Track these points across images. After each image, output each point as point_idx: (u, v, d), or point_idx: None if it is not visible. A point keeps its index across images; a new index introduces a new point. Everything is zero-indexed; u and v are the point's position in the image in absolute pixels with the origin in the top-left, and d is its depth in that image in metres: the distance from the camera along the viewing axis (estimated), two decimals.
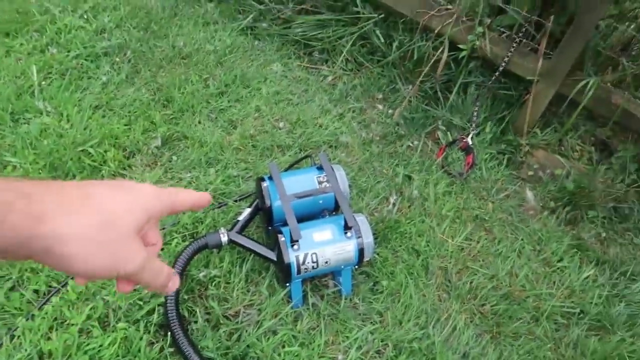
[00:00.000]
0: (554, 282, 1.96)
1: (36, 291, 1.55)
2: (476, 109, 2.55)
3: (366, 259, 1.69)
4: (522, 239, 2.09)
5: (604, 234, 2.22)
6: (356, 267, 1.72)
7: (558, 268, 2.02)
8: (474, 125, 2.52)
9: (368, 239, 1.67)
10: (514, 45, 2.38)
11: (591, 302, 1.90)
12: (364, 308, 1.71)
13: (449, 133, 2.52)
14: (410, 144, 2.44)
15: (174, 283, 0.56)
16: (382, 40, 2.74)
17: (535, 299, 1.88)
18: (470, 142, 2.45)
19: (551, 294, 1.91)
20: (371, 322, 1.67)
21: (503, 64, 2.44)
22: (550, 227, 2.18)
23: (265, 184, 1.75)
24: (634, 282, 2.02)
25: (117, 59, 2.46)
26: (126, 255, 0.48)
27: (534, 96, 2.38)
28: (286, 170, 1.98)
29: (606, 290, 1.95)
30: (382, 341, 1.63)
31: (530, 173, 2.42)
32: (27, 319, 1.46)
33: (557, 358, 1.71)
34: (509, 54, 2.39)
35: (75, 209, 0.45)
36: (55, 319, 1.48)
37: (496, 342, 1.72)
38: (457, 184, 2.27)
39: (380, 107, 2.63)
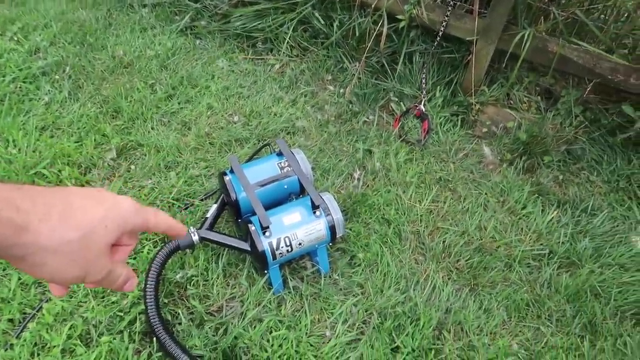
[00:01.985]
0: (521, 229, 2.03)
1: (11, 320, 1.51)
2: (423, 76, 2.61)
3: (339, 235, 1.71)
4: (485, 193, 2.15)
5: (561, 177, 2.31)
6: (330, 244, 1.74)
7: (523, 215, 2.09)
8: (424, 92, 2.57)
9: (337, 215, 1.69)
10: (449, 9, 2.44)
11: (558, 242, 1.98)
12: (344, 283, 1.73)
13: (401, 103, 2.57)
14: (366, 119, 2.47)
15: (131, 285, 0.59)
16: (323, 22, 2.76)
17: (506, 247, 1.95)
18: (423, 109, 2.50)
19: (520, 240, 1.98)
20: (353, 295, 1.70)
21: (442, 29, 2.49)
22: (511, 177, 2.25)
23: (227, 178, 1.75)
24: (595, 217, 2.11)
25: (57, 77, 2.39)
26: (94, 269, 0.52)
27: (476, 55, 2.45)
28: (247, 161, 1.97)
29: (570, 229, 2.03)
30: (366, 311, 1.65)
31: (484, 130, 2.49)
32: (5, 350, 1.42)
33: (533, 298, 1.78)
34: (446, 18, 2.44)
35: (58, 223, 0.48)
36: (35, 344, 1.44)
37: (475, 293, 1.78)
38: (416, 150, 2.32)
39: (332, 87, 2.65)
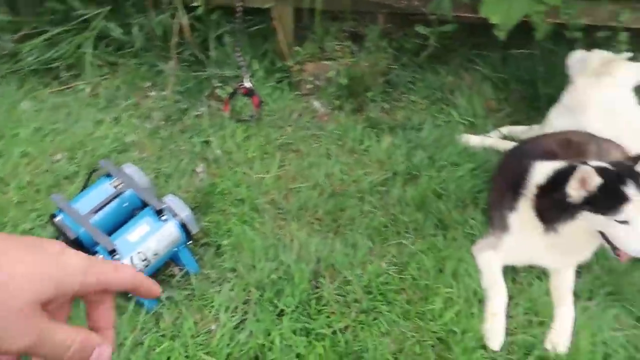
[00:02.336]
0: (365, 163, 2.18)
1: None
2: (239, 54, 2.62)
3: (194, 231, 1.70)
4: (325, 143, 2.26)
5: (387, 106, 2.50)
6: (191, 242, 1.73)
7: (363, 150, 2.24)
8: (244, 69, 2.60)
9: (184, 212, 1.68)
10: None
11: (398, 163, 2.15)
12: (215, 274, 1.74)
13: (227, 87, 2.58)
14: (197, 112, 2.45)
15: (100, 355, 0.45)
16: (122, 31, 2.65)
17: (355, 184, 2.08)
18: (249, 85, 2.54)
19: (366, 173, 2.12)
20: (227, 281, 1.71)
21: (240, 4, 2.52)
22: (343, 121, 2.38)
23: (58, 218, 1.65)
24: (422, 131, 2.32)
25: None
26: (9, 334, 0.40)
27: (279, 20, 2.52)
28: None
29: (405, 148, 2.22)
30: (244, 290, 1.68)
31: (309, 86, 2.60)
32: None
33: (390, 219, 1.93)
34: None
35: None
36: None
37: (339, 234, 1.88)
38: (253, 126, 2.36)
39: (153, 93, 2.58)
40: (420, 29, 2.41)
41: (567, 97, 2.14)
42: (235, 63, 2.65)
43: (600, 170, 1.46)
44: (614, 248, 1.55)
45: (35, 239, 0.44)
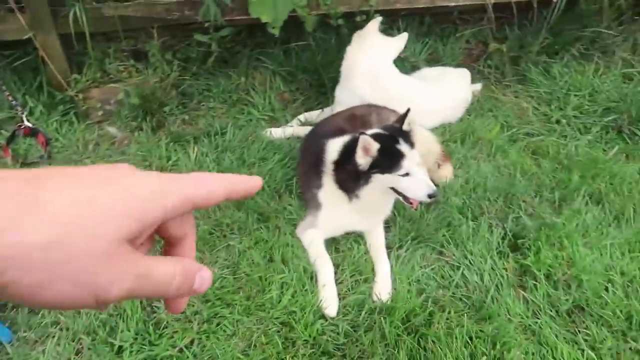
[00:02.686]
0: None
1: None
2: (6, 93, 2.36)
3: None
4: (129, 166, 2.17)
5: (186, 117, 2.51)
6: None
7: (172, 165, 2.22)
8: (19, 108, 2.35)
9: None
10: None
11: (209, 170, 2.18)
12: (35, 334, 1.57)
13: (2, 131, 2.31)
14: None
15: (203, 281, 0.40)
16: None
17: None
18: (30, 125, 2.31)
19: None
20: (51, 337, 1.56)
21: None
22: (145, 141, 2.33)
23: None
24: (225, 134, 2.38)
25: None
26: (102, 280, 0.34)
27: (45, 50, 2.33)
28: None
29: (213, 154, 2.26)
30: (73, 340, 1.55)
31: (100, 113, 2.46)
32: None
33: (213, 225, 1.95)
34: None
35: (18, 223, 0.31)
36: None
37: None
38: (44, 164, 2.16)
39: None
40: (199, 36, 2.46)
41: (342, 67, 2.42)
42: (7, 103, 2.38)
43: (376, 137, 1.68)
44: (406, 199, 1.81)
45: (101, 167, 0.38)
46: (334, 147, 1.85)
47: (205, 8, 2.22)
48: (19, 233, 0.31)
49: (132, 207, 0.35)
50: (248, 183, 0.43)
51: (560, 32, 3.07)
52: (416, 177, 1.74)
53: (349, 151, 1.77)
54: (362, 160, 1.71)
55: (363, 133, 1.66)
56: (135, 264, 0.35)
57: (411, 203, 1.83)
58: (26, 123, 2.31)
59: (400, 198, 1.83)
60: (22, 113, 2.34)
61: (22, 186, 0.33)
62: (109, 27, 2.39)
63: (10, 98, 2.35)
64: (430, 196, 1.74)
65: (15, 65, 2.41)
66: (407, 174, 1.73)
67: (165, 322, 1.60)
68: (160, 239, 0.42)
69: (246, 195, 0.43)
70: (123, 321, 1.57)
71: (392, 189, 1.79)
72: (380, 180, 1.75)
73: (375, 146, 1.67)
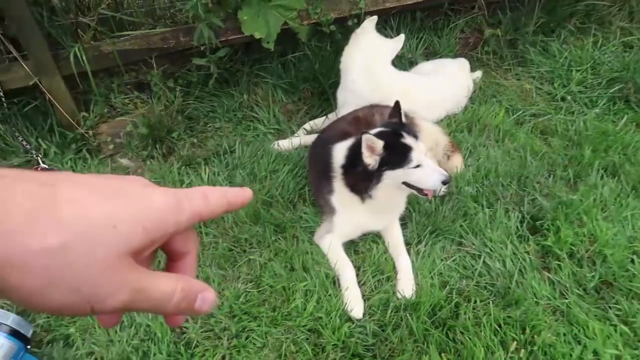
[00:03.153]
0: None
1: None
2: (18, 136, 2.43)
3: (28, 334, 1.57)
4: None
5: (195, 140, 2.55)
6: (29, 347, 1.58)
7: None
8: (33, 151, 2.42)
9: (9, 319, 1.54)
10: None
11: None
12: None
13: None
14: None
15: (204, 301, 0.40)
16: None
17: None
18: (46, 166, 2.37)
19: None
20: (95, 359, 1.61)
21: None
22: (158, 168, 2.36)
23: None
24: (234, 151, 2.42)
25: None
26: (102, 292, 0.35)
27: (52, 93, 2.39)
28: None
29: (224, 173, 2.29)
30: None
31: (112, 146, 2.52)
32: None
33: (232, 242, 1.98)
34: None
35: (27, 227, 0.32)
36: None
37: None
38: None
39: None
40: (197, 60, 2.50)
41: (341, 67, 2.44)
42: (22, 148, 2.45)
43: (379, 134, 1.70)
44: (420, 191, 1.82)
45: (114, 178, 0.38)
46: (340, 152, 1.87)
47: (199, 32, 2.27)
48: (27, 237, 0.32)
49: (145, 219, 0.36)
50: (243, 194, 0.45)
51: (553, 9, 3.06)
52: (427, 167, 1.76)
53: (355, 154, 1.78)
54: (370, 159, 1.73)
55: (365, 132, 1.68)
56: (134, 278, 0.35)
57: (426, 194, 1.84)
58: (42, 165, 2.37)
59: (414, 191, 1.84)
60: (37, 156, 2.40)
61: (38, 189, 0.33)
62: (109, 63, 2.45)
63: (24, 143, 2.42)
64: (444, 182, 1.75)
65: (25, 111, 2.48)
66: (418, 166, 1.74)
67: (195, 342, 1.63)
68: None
69: (241, 205, 0.45)
70: (154, 344, 1.60)
71: (405, 183, 1.80)
72: (392, 177, 1.76)
73: (379, 144, 1.68)
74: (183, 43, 2.43)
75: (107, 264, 0.34)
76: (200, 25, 2.26)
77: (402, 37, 2.46)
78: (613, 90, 2.69)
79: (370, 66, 2.35)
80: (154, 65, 2.50)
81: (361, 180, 1.81)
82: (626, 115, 2.59)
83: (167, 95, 2.60)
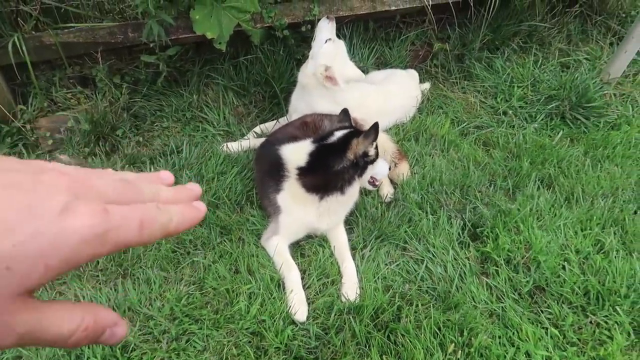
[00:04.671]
0: None
1: None
2: None
3: None
4: None
5: (140, 139, 2.48)
6: None
7: None
8: None
9: None
10: None
11: None
12: None
13: None
14: None
15: (113, 334, 0.35)
16: None
17: None
18: None
19: None
20: None
21: None
22: (100, 166, 2.28)
23: None
24: (181, 152, 2.37)
25: None
26: None
27: None
28: None
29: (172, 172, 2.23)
30: None
31: (50, 142, 2.41)
32: None
33: (175, 243, 1.93)
34: None
35: None
36: None
37: (129, 276, 1.82)
38: None
39: None
40: (146, 57, 2.44)
41: (300, 77, 2.45)
42: None
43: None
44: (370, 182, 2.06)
45: (23, 185, 0.30)
46: (294, 154, 1.88)
47: (148, 29, 2.21)
48: None
49: (52, 256, 0.29)
50: (191, 217, 0.38)
51: (498, 28, 3.21)
52: (377, 162, 1.93)
53: (326, 156, 1.83)
54: (373, 151, 1.88)
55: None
56: (22, 320, 0.30)
57: (373, 183, 2.14)
58: None
59: (367, 184, 2.09)
60: None
61: None
62: (51, 55, 2.35)
63: None
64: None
65: None
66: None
67: (133, 345, 1.57)
68: None
69: (190, 227, 0.39)
70: (88, 348, 1.53)
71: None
72: (368, 171, 1.95)
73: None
74: (131, 39, 2.36)
75: None
76: (150, 21, 2.21)
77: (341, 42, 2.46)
78: (550, 106, 2.83)
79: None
80: (100, 60, 2.42)
81: (338, 178, 1.85)
82: (562, 130, 2.74)
83: (113, 91, 2.53)
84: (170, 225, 0.36)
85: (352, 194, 1.95)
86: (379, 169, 2.11)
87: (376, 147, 1.93)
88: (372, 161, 1.92)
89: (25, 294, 0.29)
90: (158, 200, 0.38)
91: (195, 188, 0.42)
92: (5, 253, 0.27)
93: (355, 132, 1.88)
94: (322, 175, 1.86)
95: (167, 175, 0.42)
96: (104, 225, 0.31)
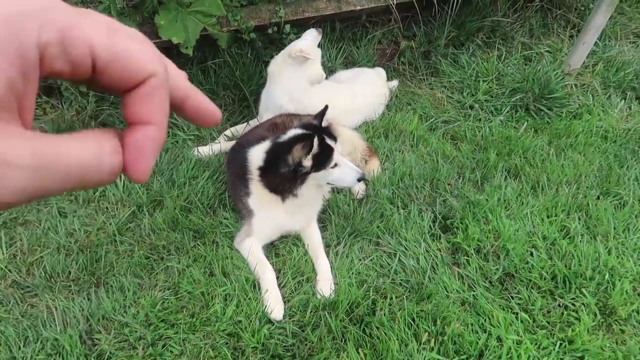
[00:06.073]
0: (105, 208, 2.11)
1: None
2: None
3: None
4: (55, 204, 2.11)
5: None
6: None
7: (100, 196, 2.17)
8: None
9: None
10: None
11: (139, 196, 2.15)
12: None
13: None
14: None
15: (136, 165, 0.28)
16: None
17: (102, 231, 2.01)
18: None
19: (110, 216, 2.06)
20: None
21: None
22: None
23: None
24: (160, 157, 2.35)
25: None
26: None
27: None
28: None
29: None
30: None
31: None
32: None
33: (149, 249, 1.93)
34: None
35: None
36: None
37: (103, 285, 1.81)
38: None
39: None
40: None
41: (269, 68, 2.47)
42: None
43: (306, 137, 1.75)
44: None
45: None
46: (257, 155, 1.89)
47: None
48: None
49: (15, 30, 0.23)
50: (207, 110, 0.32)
51: (462, 24, 3.27)
52: (344, 166, 1.84)
53: (275, 156, 1.81)
54: (308, 162, 1.78)
55: (312, 135, 1.72)
56: (25, 150, 0.23)
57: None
58: None
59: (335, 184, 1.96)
60: None
61: None
62: None
63: None
64: (359, 179, 1.87)
65: None
66: (335, 165, 1.82)
67: (108, 353, 1.56)
68: None
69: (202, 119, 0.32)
70: (63, 359, 1.52)
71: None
72: (316, 178, 1.83)
73: (315, 147, 1.75)
74: None
75: None
76: None
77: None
78: (515, 99, 2.91)
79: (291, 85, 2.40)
80: None
81: (285, 181, 1.84)
82: (526, 122, 2.81)
83: (79, 100, 2.50)
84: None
85: (310, 195, 1.91)
86: (343, 176, 1.89)
87: (314, 160, 1.79)
88: (307, 173, 1.81)
89: (8, 112, 0.23)
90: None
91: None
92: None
93: (304, 136, 1.80)
94: (274, 176, 1.86)
95: None
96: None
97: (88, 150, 0.25)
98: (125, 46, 0.27)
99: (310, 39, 2.41)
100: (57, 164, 0.24)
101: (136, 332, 1.63)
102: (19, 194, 0.23)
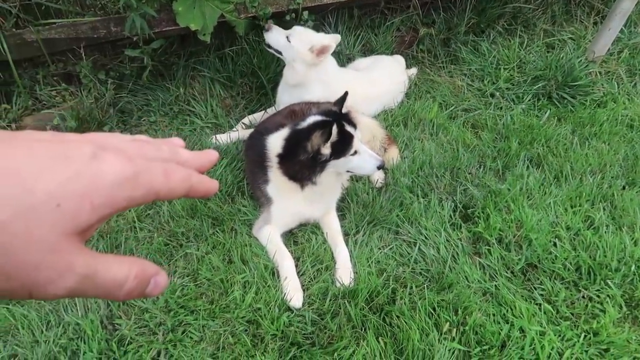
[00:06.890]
0: None
1: None
2: None
3: None
4: None
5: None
6: None
7: None
8: None
9: None
10: None
11: None
12: None
13: None
14: None
15: (157, 284, 0.35)
16: None
17: (122, 217, 2.01)
18: None
19: None
20: None
21: None
22: None
23: None
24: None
25: None
26: (40, 276, 0.29)
27: None
28: None
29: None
30: None
31: None
32: None
33: (168, 236, 1.93)
34: None
35: None
36: None
37: None
38: None
39: None
40: (130, 52, 2.41)
41: (289, 79, 2.44)
42: None
43: (327, 124, 1.72)
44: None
45: (56, 138, 0.32)
46: (275, 142, 1.87)
47: (130, 22, 2.19)
48: None
49: (94, 195, 0.31)
50: (208, 185, 0.40)
51: (483, 11, 3.21)
52: (364, 153, 1.82)
53: (295, 143, 1.79)
54: (327, 150, 1.75)
55: (331, 122, 1.69)
56: (82, 262, 0.31)
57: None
58: None
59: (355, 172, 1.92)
60: None
61: None
62: (34, 52, 2.32)
63: None
64: (379, 167, 1.84)
65: None
66: (355, 152, 1.79)
67: (129, 338, 1.57)
68: None
69: (203, 196, 0.39)
70: (84, 343, 1.53)
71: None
72: (335, 165, 1.80)
73: (334, 135, 1.72)
74: (114, 33, 2.34)
75: (49, 246, 0.29)
76: (132, 14, 2.18)
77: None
78: (537, 87, 2.85)
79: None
80: (83, 55, 2.39)
81: (304, 168, 1.82)
82: (549, 110, 2.75)
83: (98, 87, 2.50)
84: (192, 179, 0.37)
85: (329, 183, 1.88)
86: (363, 164, 1.84)
87: (333, 147, 1.76)
88: (326, 161, 1.78)
89: (78, 235, 0.31)
90: (178, 160, 0.39)
91: (212, 153, 0.43)
92: (53, 192, 0.29)
93: (324, 123, 1.76)
94: (293, 163, 1.83)
95: (179, 141, 0.43)
96: (132, 169, 0.33)
97: (121, 273, 0.33)
98: (175, 184, 0.37)
99: (281, 37, 2.37)
100: (97, 277, 0.32)
101: (156, 317, 1.63)
102: (67, 292, 0.30)
